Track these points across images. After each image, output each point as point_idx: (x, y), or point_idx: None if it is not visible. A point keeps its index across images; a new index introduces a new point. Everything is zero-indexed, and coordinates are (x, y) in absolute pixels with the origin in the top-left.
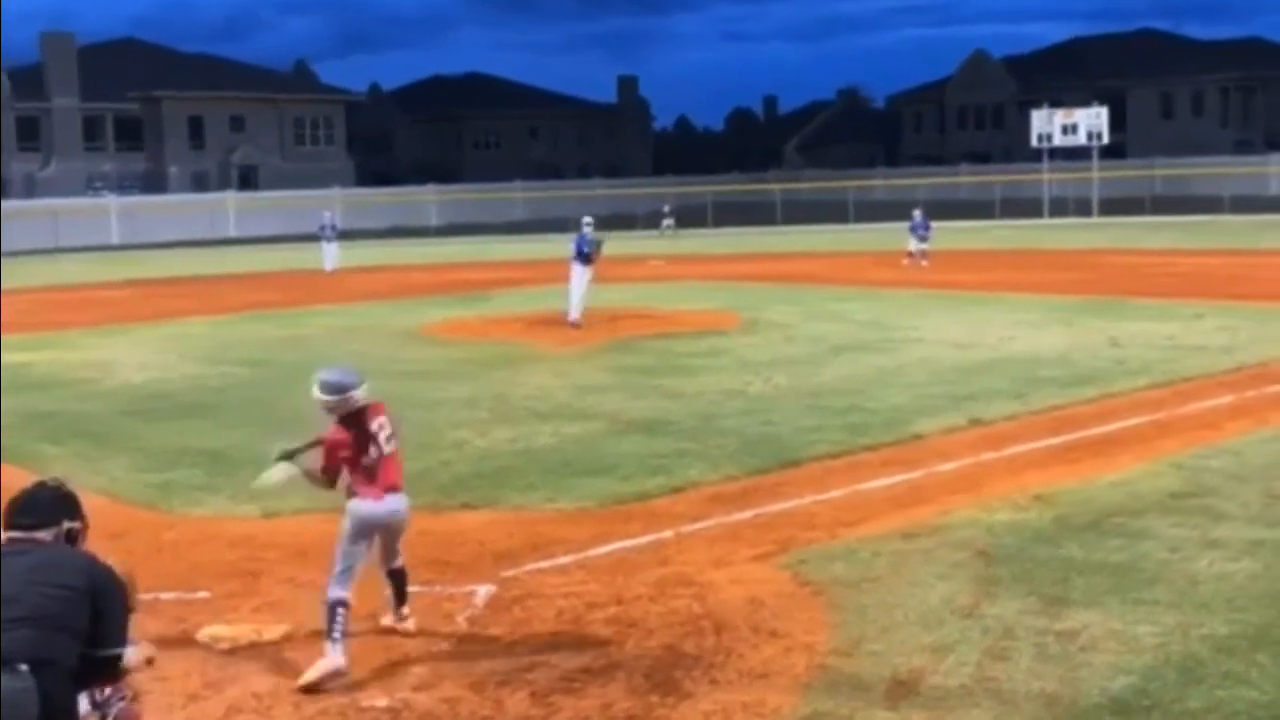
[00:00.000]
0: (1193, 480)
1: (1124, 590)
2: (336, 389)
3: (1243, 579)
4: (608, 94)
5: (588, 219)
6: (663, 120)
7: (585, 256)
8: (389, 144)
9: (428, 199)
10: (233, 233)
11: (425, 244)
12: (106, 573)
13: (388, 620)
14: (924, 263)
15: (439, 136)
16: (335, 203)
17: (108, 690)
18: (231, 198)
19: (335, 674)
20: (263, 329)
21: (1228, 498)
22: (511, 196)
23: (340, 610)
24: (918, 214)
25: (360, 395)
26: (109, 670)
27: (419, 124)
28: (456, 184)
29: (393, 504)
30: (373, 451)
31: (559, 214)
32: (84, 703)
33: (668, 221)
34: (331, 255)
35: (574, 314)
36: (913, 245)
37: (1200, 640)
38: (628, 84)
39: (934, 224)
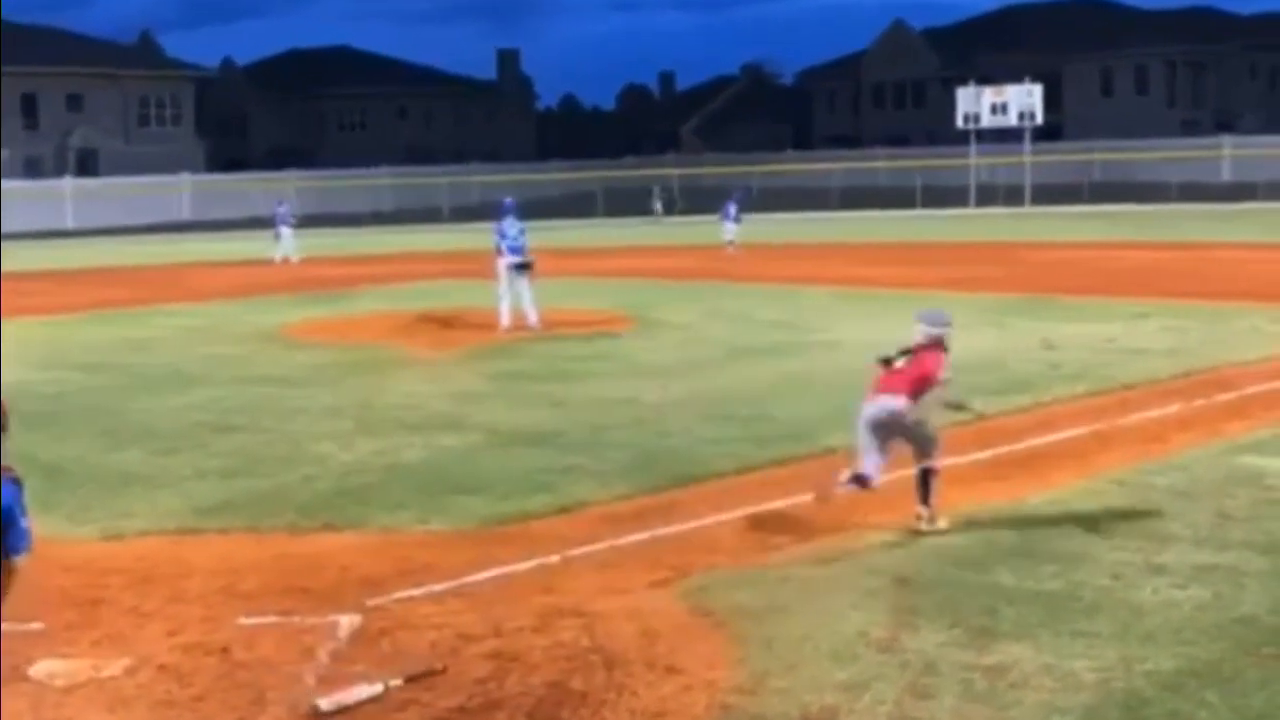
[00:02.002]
0: (1136, 499)
1: (1059, 621)
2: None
3: (1191, 608)
4: (486, 70)
5: (511, 199)
6: (547, 99)
7: (518, 247)
8: (243, 125)
9: (286, 186)
10: (70, 223)
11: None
12: None
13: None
14: (731, 250)
15: (298, 117)
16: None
17: None
18: (69, 184)
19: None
20: (103, 330)
21: (1175, 518)
22: (379, 183)
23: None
24: (733, 206)
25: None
26: None
27: (276, 103)
28: (317, 169)
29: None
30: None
31: (432, 203)
32: None
33: (658, 205)
34: (291, 244)
35: (532, 316)
36: (727, 233)
37: (1144, 676)
38: (508, 58)
39: (850, 213)
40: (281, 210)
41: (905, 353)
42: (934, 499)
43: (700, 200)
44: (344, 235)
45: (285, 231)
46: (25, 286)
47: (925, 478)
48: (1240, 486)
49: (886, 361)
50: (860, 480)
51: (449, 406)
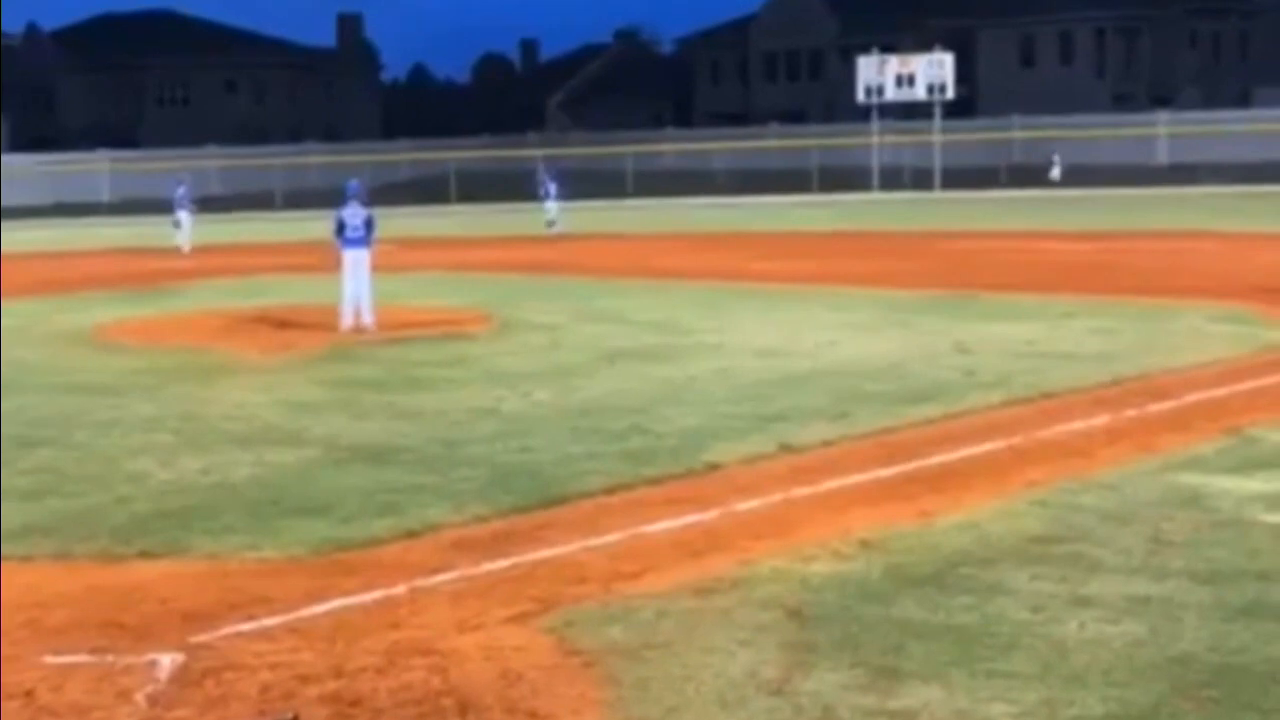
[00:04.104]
0: (1060, 521)
1: (973, 660)
2: None
3: (1122, 645)
4: (325, 37)
5: (356, 182)
6: (394, 70)
7: (362, 238)
8: (50, 100)
9: (99, 168)
10: None
11: (97, 224)
12: None
13: None
14: (552, 230)
15: (113, 90)
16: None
17: None
18: None
19: None
20: None
21: (1103, 544)
22: (204, 165)
23: None
24: (552, 184)
25: None
26: None
27: (88, 74)
28: (135, 150)
29: None
30: None
31: (264, 187)
32: None
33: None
34: (189, 232)
35: (367, 316)
36: (548, 213)
37: None
38: (349, 24)
39: (738, 199)
40: (181, 193)
41: None
42: None
43: (567, 185)
44: (164, 224)
45: (184, 217)
46: None
47: None
48: (1177, 508)
49: None
50: None
51: (283, 418)
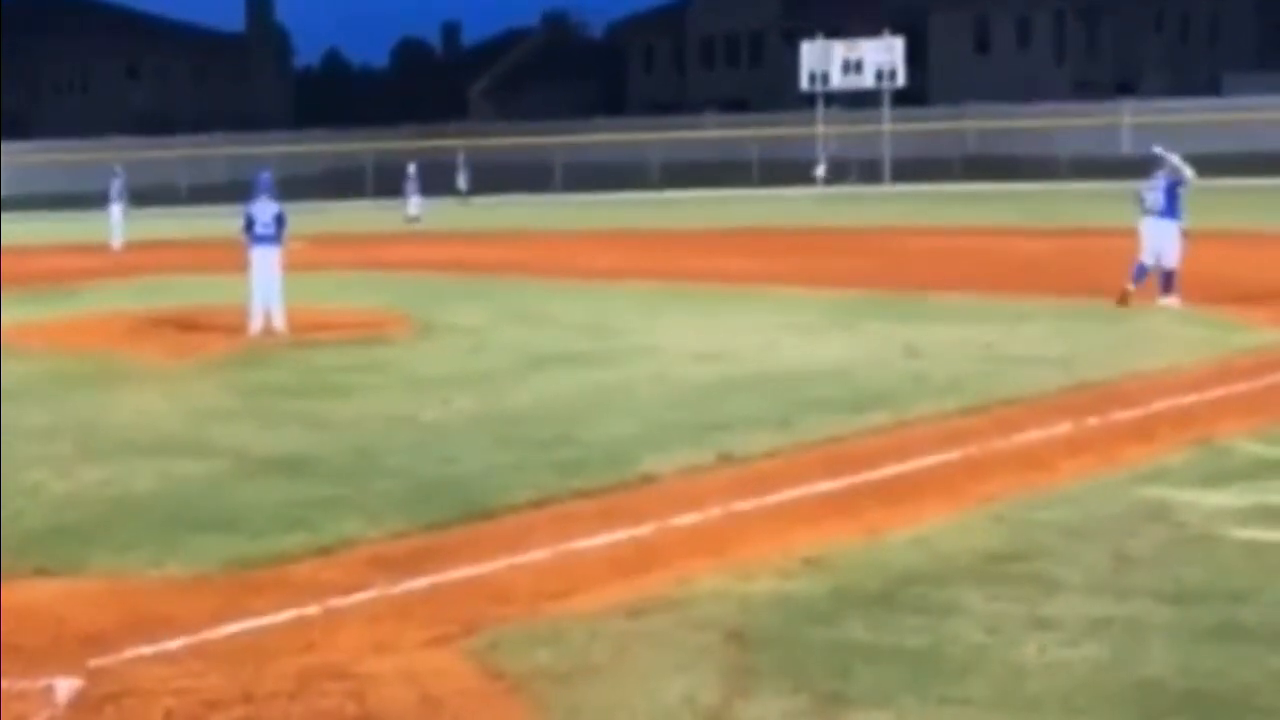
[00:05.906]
0: (1018, 537)
1: (925, 685)
2: None
3: (1084, 669)
4: (234, 20)
5: (266, 174)
6: (307, 56)
7: (272, 235)
8: None
9: None
10: None
11: None
12: None
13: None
14: (413, 226)
15: (6, 76)
16: None
17: None
18: None
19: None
20: None
21: (1064, 561)
22: (105, 158)
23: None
24: (413, 181)
25: None
26: None
27: None
28: (29, 141)
29: None
30: None
31: (168, 180)
32: None
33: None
34: (121, 226)
35: (278, 318)
36: (412, 208)
37: None
38: (259, 7)
39: (673, 193)
40: (116, 184)
41: None
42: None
43: (491, 177)
44: (62, 220)
45: (116, 210)
46: None
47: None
48: (1143, 523)
49: None
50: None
51: (189, 427)
